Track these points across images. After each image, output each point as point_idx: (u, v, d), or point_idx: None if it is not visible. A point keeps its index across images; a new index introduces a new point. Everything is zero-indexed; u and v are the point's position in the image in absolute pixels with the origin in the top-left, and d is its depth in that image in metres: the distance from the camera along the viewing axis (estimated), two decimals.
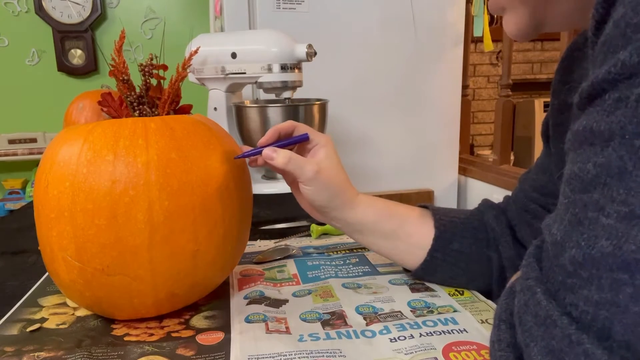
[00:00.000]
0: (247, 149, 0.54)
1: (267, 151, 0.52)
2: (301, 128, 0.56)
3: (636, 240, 0.22)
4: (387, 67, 1.49)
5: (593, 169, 0.24)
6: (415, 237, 0.56)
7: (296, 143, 0.55)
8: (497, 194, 1.48)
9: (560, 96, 0.49)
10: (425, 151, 1.59)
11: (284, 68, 0.98)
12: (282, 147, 0.54)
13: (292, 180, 0.56)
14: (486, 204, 0.60)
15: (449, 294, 0.55)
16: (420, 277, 0.58)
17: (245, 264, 0.65)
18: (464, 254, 0.55)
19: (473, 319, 0.49)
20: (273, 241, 0.74)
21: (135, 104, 0.56)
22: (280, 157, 0.52)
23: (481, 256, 0.55)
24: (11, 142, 2.33)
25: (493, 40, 1.55)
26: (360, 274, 0.61)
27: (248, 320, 0.49)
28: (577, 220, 0.25)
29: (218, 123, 0.57)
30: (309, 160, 0.53)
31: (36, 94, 2.42)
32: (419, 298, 0.54)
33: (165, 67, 0.58)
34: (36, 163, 2.23)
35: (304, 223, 0.81)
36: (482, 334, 0.46)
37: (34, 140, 2.34)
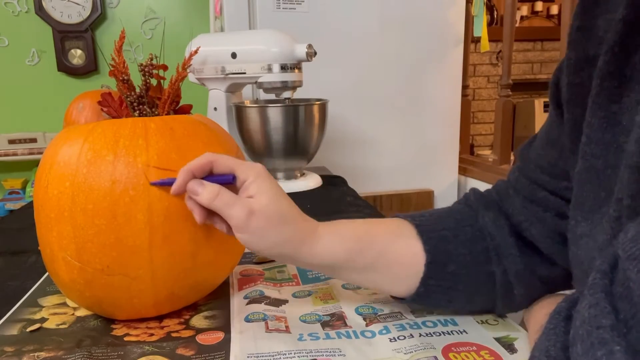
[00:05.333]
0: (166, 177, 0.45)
1: (191, 184, 0.43)
2: (221, 163, 0.44)
3: None
4: (387, 67, 1.49)
5: None
6: (399, 265, 0.47)
7: (219, 183, 0.44)
8: None
9: (579, 48, 0.39)
10: (425, 151, 1.59)
11: (284, 68, 0.98)
12: None
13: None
14: (477, 198, 0.50)
15: None
16: (412, 304, 0.50)
17: (245, 264, 0.65)
18: (461, 275, 0.46)
19: (473, 320, 0.49)
20: None
21: (135, 104, 0.56)
22: (206, 191, 0.43)
23: (481, 273, 0.47)
24: (11, 142, 2.33)
25: (493, 40, 1.55)
26: None
27: (248, 320, 0.49)
28: None
29: (218, 123, 0.57)
30: (239, 199, 0.43)
31: (36, 94, 2.42)
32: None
33: (165, 67, 0.58)
34: (36, 163, 2.23)
35: None
36: (482, 334, 0.46)
37: (34, 140, 2.34)
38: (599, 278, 0.23)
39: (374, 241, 0.47)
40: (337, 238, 0.46)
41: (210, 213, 0.45)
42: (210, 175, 0.45)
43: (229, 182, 0.45)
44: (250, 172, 0.44)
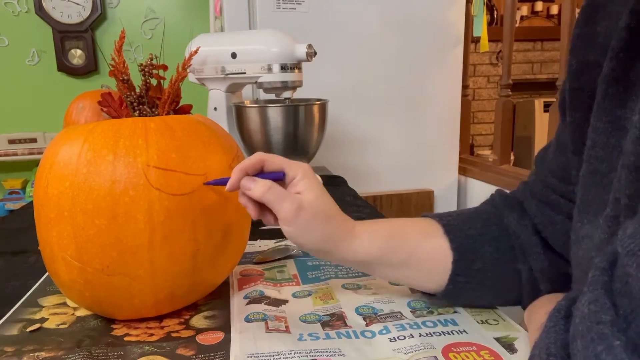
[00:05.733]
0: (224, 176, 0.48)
1: (244, 181, 0.46)
2: (272, 162, 0.47)
3: None
4: (387, 67, 1.49)
5: None
6: (429, 263, 0.49)
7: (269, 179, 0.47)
8: None
9: (580, 54, 0.40)
10: (425, 151, 1.59)
11: (284, 68, 0.98)
12: None
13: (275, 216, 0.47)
14: (502, 199, 0.52)
15: None
16: (442, 300, 0.52)
17: (245, 264, 0.65)
18: (488, 272, 0.48)
19: (473, 320, 0.49)
20: (273, 241, 0.74)
21: (135, 104, 0.56)
22: (258, 186, 0.45)
23: (508, 271, 0.49)
24: (11, 142, 2.33)
25: (493, 40, 1.55)
26: (360, 274, 0.61)
27: (248, 320, 0.49)
28: None
29: (218, 123, 0.57)
30: (289, 194, 0.46)
31: (36, 94, 2.42)
32: (419, 299, 0.54)
33: (165, 67, 0.58)
34: (36, 163, 2.23)
35: None
36: (482, 335, 0.46)
37: (34, 140, 2.34)
38: (599, 275, 0.23)
39: (406, 240, 0.50)
40: (373, 236, 0.49)
41: (262, 207, 0.47)
42: (261, 173, 0.48)
43: (280, 179, 0.47)
44: (298, 170, 0.47)
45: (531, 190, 0.50)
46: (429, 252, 0.49)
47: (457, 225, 0.50)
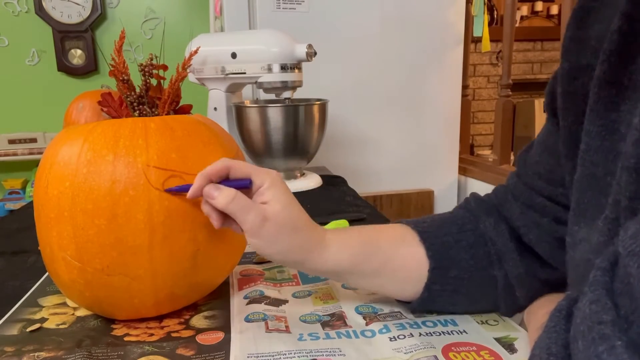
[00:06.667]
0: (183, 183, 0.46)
1: (207, 189, 0.44)
2: (238, 169, 0.45)
3: None
4: (387, 67, 1.49)
5: None
6: (404, 271, 0.48)
7: (235, 187, 0.44)
8: None
9: (572, 57, 0.40)
10: (425, 151, 1.59)
11: (284, 68, 0.98)
12: None
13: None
14: (478, 204, 0.51)
15: None
16: (417, 310, 0.50)
17: (245, 264, 0.65)
18: (464, 279, 0.48)
19: (473, 320, 0.49)
20: None
21: (135, 104, 0.56)
22: (222, 195, 0.43)
23: (484, 277, 0.48)
24: (11, 142, 2.33)
25: (493, 40, 1.55)
26: None
27: (248, 320, 0.49)
28: None
29: (218, 123, 0.57)
30: (254, 205, 0.44)
31: (36, 94, 2.43)
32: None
33: (165, 67, 0.58)
34: (36, 163, 2.23)
35: None
36: (481, 335, 0.46)
37: (34, 140, 2.34)
38: (600, 275, 0.23)
39: (379, 248, 0.48)
40: (344, 245, 0.48)
41: (226, 216, 0.45)
42: (227, 180, 0.45)
43: (246, 186, 0.45)
44: (266, 178, 0.45)
45: (513, 193, 0.49)
46: (404, 260, 0.48)
47: (432, 232, 0.49)
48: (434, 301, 0.49)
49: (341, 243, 0.48)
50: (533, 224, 0.46)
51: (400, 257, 0.48)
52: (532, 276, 0.47)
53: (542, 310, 0.45)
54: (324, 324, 0.49)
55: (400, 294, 0.50)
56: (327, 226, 0.75)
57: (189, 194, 0.45)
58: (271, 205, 0.44)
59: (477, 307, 0.50)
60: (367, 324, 0.48)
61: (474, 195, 0.53)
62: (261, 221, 0.43)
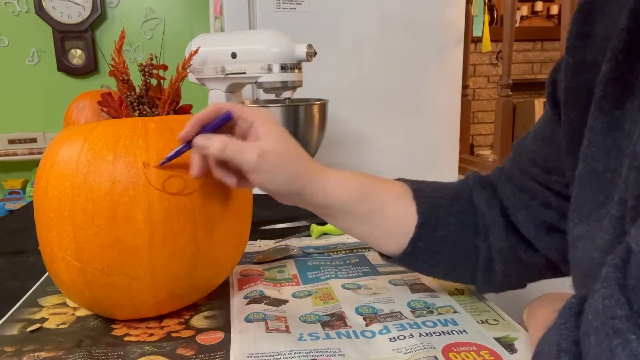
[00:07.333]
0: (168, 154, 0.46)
1: (199, 139, 0.45)
2: (224, 108, 0.46)
3: None
4: (387, 67, 1.49)
5: None
6: (393, 222, 0.49)
7: (219, 127, 0.46)
8: None
9: (577, 53, 0.40)
10: (425, 151, 1.58)
11: (284, 68, 0.98)
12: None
13: (236, 172, 0.47)
14: (475, 179, 0.53)
15: (449, 294, 0.55)
16: (398, 264, 0.52)
17: (245, 264, 0.65)
18: (448, 242, 0.49)
19: (473, 320, 0.49)
20: (273, 241, 0.74)
21: (135, 104, 0.56)
22: (215, 143, 0.44)
23: (468, 245, 0.49)
24: (11, 142, 2.33)
25: (493, 40, 1.55)
26: (360, 274, 0.61)
27: (248, 320, 0.49)
28: None
29: None
30: (249, 144, 0.45)
31: (36, 94, 2.42)
32: (419, 299, 0.54)
33: (165, 67, 0.58)
34: (36, 163, 2.23)
35: (304, 223, 0.81)
36: (482, 334, 0.46)
37: (34, 140, 2.34)
38: (612, 271, 0.23)
39: (375, 193, 0.50)
40: (344, 180, 0.49)
41: (219, 166, 0.46)
42: (209, 124, 0.46)
43: (229, 118, 0.46)
44: (257, 114, 0.46)
45: (507, 175, 0.50)
46: (395, 211, 0.49)
47: (426, 192, 0.51)
48: (416, 258, 0.50)
49: (341, 178, 0.49)
50: (522, 205, 0.47)
51: (392, 208, 0.50)
52: (514, 254, 0.48)
53: (542, 309, 0.45)
54: (324, 324, 0.49)
55: (385, 245, 0.51)
56: (326, 226, 0.75)
57: (181, 134, 0.45)
58: (266, 139, 0.45)
59: (455, 275, 0.52)
60: (367, 325, 0.48)
61: (474, 172, 0.55)
62: (259, 156, 0.44)
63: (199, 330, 0.48)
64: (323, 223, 0.74)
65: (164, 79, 0.58)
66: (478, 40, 1.64)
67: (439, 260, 0.50)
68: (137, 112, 0.56)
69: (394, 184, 0.52)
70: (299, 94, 1.06)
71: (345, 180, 0.49)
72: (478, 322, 0.49)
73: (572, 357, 0.24)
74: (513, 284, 0.51)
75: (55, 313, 0.52)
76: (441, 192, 0.52)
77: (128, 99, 0.56)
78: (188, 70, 0.60)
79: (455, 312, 0.51)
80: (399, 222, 0.49)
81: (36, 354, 0.44)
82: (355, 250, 0.70)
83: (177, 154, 0.46)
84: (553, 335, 0.26)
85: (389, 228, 0.50)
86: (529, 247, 0.48)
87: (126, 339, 0.47)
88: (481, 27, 1.57)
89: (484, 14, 1.57)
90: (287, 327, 0.48)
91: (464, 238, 0.49)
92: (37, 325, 0.49)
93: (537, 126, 0.49)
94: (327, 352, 0.43)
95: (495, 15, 3.13)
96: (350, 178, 0.49)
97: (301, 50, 0.98)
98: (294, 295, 0.55)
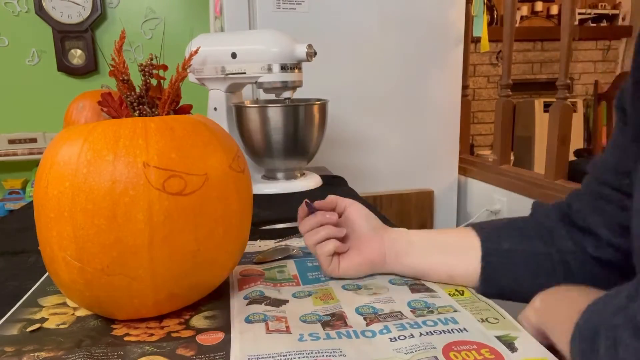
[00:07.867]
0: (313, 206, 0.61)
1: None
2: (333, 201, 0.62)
3: None
4: (387, 67, 1.49)
5: None
6: (462, 261, 0.57)
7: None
8: (497, 194, 1.48)
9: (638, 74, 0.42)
10: (425, 151, 1.59)
11: (284, 68, 0.98)
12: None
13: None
14: (536, 206, 0.58)
15: (449, 294, 0.55)
16: (485, 292, 0.55)
17: (245, 264, 0.64)
18: (517, 252, 0.53)
19: (473, 319, 0.49)
20: (273, 241, 0.74)
21: (135, 104, 0.56)
22: (328, 245, 0.58)
23: (537, 253, 0.53)
24: (11, 142, 2.33)
25: (493, 40, 1.55)
26: None
27: (248, 320, 0.49)
28: None
29: (218, 123, 0.57)
30: (327, 266, 0.58)
31: (36, 94, 2.43)
32: (419, 298, 0.54)
33: (165, 67, 0.58)
34: (36, 163, 2.23)
35: None
36: (482, 333, 0.46)
37: (34, 140, 2.35)
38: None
39: (446, 260, 0.58)
40: (423, 253, 0.58)
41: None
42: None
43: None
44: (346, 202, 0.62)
45: (585, 190, 0.54)
46: (461, 256, 0.57)
47: (486, 223, 0.58)
48: (496, 276, 0.54)
49: (421, 250, 0.58)
50: (598, 210, 0.51)
51: (461, 261, 0.57)
52: (583, 251, 0.52)
53: (560, 303, 0.46)
54: (325, 324, 0.49)
55: (464, 281, 0.57)
56: None
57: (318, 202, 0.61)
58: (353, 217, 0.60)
59: (540, 281, 0.53)
60: (367, 325, 0.48)
61: (535, 203, 0.60)
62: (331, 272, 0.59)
63: (199, 331, 0.48)
64: None
65: (164, 79, 0.58)
66: (478, 40, 1.64)
67: (518, 273, 0.54)
68: (137, 112, 0.56)
69: (462, 236, 0.58)
70: (299, 94, 1.06)
71: (423, 252, 0.58)
72: (478, 321, 0.49)
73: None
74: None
75: (55, 313, 0.52)
76: (500, 221, 0.59)
77: (128, 99, 0.56)
78: (188, 70, 0.60)
79: (455, 311, 0.51)
80: (466, 258, 0.57)
81: (36, 354, 0.44)
82: None
83: (311, 211, 0.61)
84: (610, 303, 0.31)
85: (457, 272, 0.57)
86: (601, 246, 0.51)
87: (126, 339, 0.46)
88: (481, 27, 1.57)
89: (484, 14, 1.57)
90: (287, 327, 0.48)
91: (531, 246, 0.54)
92: (37, 325, 0.49)
93: (610, 140, 0.53)
94: (327, 352, 0.43)
95: (495, 15, 3.13)
96: (428, 248, 0.58)
97: (301, 50, 0.98)
98: (294, 296, 0.55)
